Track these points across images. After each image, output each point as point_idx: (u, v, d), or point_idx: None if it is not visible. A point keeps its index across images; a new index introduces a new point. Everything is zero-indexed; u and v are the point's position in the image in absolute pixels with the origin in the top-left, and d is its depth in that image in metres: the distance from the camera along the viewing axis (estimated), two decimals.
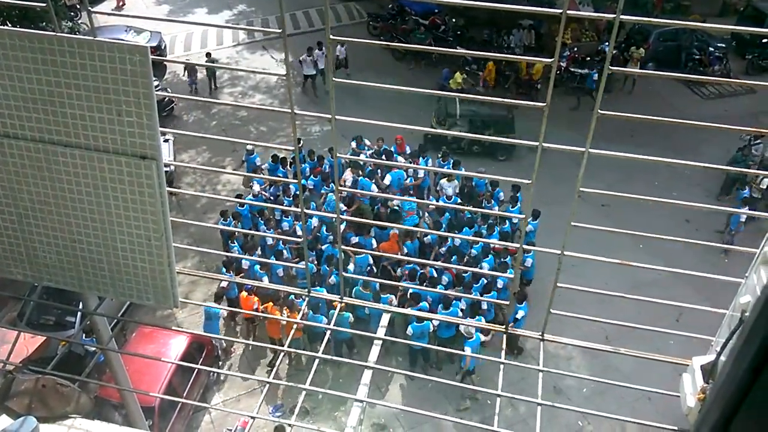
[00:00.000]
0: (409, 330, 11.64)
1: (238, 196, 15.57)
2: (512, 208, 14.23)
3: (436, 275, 12.83)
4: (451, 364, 12.99)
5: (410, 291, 12.04)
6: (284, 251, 13.30)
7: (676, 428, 3.91)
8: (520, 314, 11.86)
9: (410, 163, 15.37)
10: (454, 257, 13.33)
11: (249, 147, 16.00)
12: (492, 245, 13.13)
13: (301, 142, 17.04)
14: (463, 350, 11.24)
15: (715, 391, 1.69)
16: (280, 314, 11.73)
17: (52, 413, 4.21)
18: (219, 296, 12.53)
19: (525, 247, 4.47)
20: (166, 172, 3.83)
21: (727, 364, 1.63)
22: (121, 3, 25.34)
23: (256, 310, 12.10)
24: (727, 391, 1.48)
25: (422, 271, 12.81)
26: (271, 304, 12.09)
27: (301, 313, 6.15)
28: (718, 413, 1.51)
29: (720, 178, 17.25)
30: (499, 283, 12.77)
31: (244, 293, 12.46)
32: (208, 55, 20.45)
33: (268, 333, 12.82)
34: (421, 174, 15.41)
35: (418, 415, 5.40)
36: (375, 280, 11.55)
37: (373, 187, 14.78)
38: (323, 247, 13.33)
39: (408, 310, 11.23)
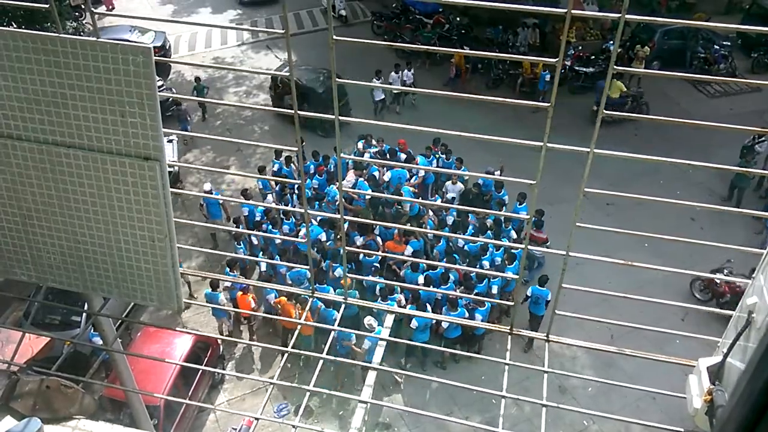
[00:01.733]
0: (414, 322, 11.66)
1: (243, 191, 15.50)
2: (520, 206, 14.16)
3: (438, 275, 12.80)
4: (455, 364, 12.97)
5: (406, 290, 12.05)
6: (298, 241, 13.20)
7: (681, 430, 3.89)
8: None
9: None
10: (457, 256, 13.30)
11: (206, 187, 14.46)
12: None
13: (303, 142, 16.81)
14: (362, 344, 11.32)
15: (731, 406, 1.64)
16: (294, 308, 11.74)
17: (57, 414, 4.21)
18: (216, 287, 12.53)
19: (530, 248, 4.44)
20: (170, 172, 3.82)
21: (743, 378, 1.59)
22: (110, 7, 24.91)
23: (255, 309, 12.21)
24: (744, 406, 1.43)
25: (433, 272, 12.74)
26: (284, 299, 12.09)
27: (309, 306, 6.07)
28: (734, 428, 1.46)
29: (724, 177, 17.16)
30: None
31: (239, 292, 12.50)
32: (197, 80, 19.28)
33: (282, 325, 12.89)
34: (422, 172, 15.35)
35: (422, 414, 5.39)
36: (380, 281, 11.55)
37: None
38: (327, 243, 13.33)
39: (410, 311, 11.21)
